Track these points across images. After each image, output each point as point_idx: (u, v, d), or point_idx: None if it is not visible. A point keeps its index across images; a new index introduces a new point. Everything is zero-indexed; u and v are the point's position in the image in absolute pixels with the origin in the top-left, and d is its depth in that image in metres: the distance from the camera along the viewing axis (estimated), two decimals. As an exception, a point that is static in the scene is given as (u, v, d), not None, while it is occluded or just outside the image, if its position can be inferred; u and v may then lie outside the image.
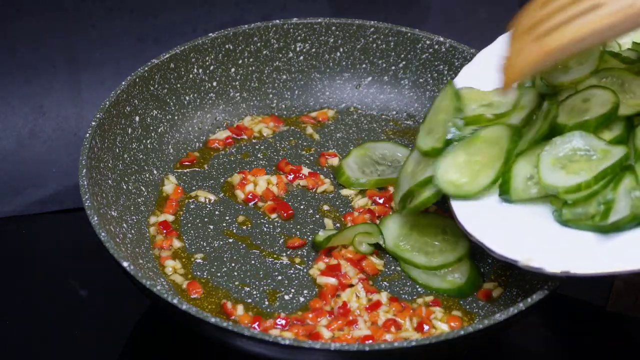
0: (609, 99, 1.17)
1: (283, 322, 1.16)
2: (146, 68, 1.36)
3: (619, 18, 1.00)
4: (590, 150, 1.14)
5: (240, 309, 1.18)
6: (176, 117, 1.43)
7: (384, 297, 1.20)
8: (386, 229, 1.27)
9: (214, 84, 1.46)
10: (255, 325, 1.16)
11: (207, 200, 1.34)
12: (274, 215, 1.33)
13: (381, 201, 1.34)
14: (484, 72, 1.32)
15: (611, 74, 1.21)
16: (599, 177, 1.11)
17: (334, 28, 1.50)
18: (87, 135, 1.24)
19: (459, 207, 1.19)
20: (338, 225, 1.31)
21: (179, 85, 1.42)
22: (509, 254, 1.09)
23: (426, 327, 1.17)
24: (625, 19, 1.00)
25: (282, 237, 1.30)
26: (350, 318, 1.17)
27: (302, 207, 1.34)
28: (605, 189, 1.11)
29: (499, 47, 1.35)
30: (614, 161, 1.11)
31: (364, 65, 1.53)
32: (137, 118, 1.36)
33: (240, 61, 1.48)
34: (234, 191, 1.36)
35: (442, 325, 1.18)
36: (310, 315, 1.17)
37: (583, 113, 1.18)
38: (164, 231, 1.29)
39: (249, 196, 1.34)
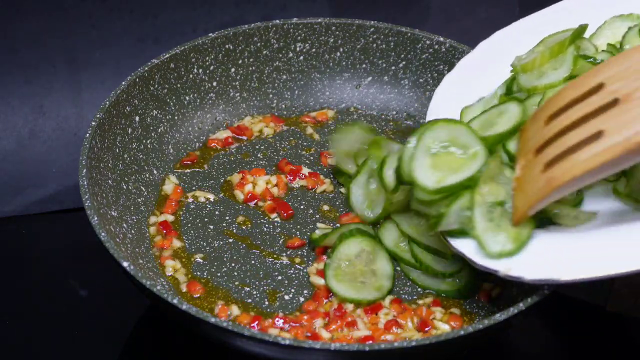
0: (515, 114, 1.17)
1: (282, 322, 1.17)
2: (146, 68, 1.36)
3: (623, 151, 0.96)
4: (462, 149, 1.15)
5: (235, 309, 1.18)
6: (176, 117, 1.43)
7: (386, 299, 1.20)
8: (387, 230, 1.27)
9: (214, 84, 1.46)
10: (255, 324, 1.16)
11: (207, 200, 1.34)
12: (273, 215, 1.33)
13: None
14: (465, 81, 1.34)
15: None
16: (442, 190, 1.13)
17: (334, 28, 1.50)
18: (87, 135, 1.24)
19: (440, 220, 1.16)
20: (338, 225, 1.31)
21: (179, 85, 1.42)
22: (490, 264, 1.09)
23: (427, 328, 1.17)
24: (630, 152, 0.96)
25: (282, 237, 1.30)
26: (349, 319, 1.17)
27: (302, 207, 1.34)
28: (441, 202, 1.13)
29: (478, 54, 1.37)
30: (462, 178, 1.12)
31: (364, 65, 1.53)
32: (137, 118, 1.36)
33: (240, 61, 1.48)
34: (233, 191, 1.36)
35: (443, 325, 1.18)
36: (305, 317, 1.17)
37: (491, 127, 1.19)
38: (164, 231, 1.29)
39: (249, 196, 1.34)
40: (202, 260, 1.26)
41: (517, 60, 1.26)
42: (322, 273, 1.22)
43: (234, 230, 1.30)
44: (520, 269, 1.07)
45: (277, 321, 1.17)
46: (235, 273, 1.24)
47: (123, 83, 1.33)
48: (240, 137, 1.46)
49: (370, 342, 1.13)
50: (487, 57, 1.35)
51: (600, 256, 1.05)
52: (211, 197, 1.35)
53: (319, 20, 1.49)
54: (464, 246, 1.12)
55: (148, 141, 1.37)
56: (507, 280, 1.22)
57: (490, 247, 1.09)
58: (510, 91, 1.27)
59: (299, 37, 1.50)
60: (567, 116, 1.03)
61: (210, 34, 1.44)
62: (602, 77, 1.01)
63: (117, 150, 1.31)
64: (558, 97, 1.06)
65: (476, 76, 1.34)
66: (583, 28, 1.23)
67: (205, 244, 1.28)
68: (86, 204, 1.15)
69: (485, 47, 1.37)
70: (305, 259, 1.26)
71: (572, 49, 1.22)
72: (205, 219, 1.32)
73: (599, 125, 0.98)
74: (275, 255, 1.27)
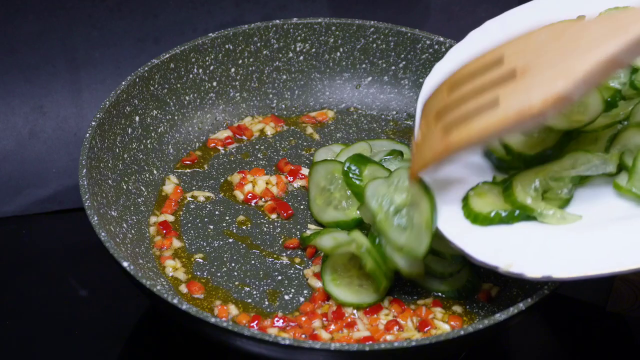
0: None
1: (281, 322, 1.17)
2: (146, 68, 1.36)
3: (516, 118, 1.02)
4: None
5: (235, 309, 1.18)
6: (176, 117, 1.43)
7: (385, 300, 1.20)
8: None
9: (214, 84, 1.46)
10: (254, 324, 1.16)
11: (206, 200, 1.34)
12: (273, 215, 1.33)
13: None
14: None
15: None
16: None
17: (334, 28, 1.50)
18: (87, 135, 1.24)
19: (438, 213, 1.16)
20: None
21: (179, 85, 1.42)
22: (490, 261, 1.09)
23: (427, 328, 1.17)
24: (522, 120, 1.01)
25: (282, 237, 1.30)
26: (349, 320, 1.17)
27: (302, 207, 1.34)
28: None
29: (469, 43, 1.36)
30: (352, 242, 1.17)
31: (364, 65, 1.53)
32: (137, 118, 1.36)
33: (240, 61, 1.48)
34: (233, 191, 1.36)
35: (443, 325, 1.18)
36: (303, 319, 1.17)
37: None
38: (164, 231, 1.29)
39: (248, 196, 1.34)
40: (202, 260, 1.26)
41: None
42: (319, 275, 1.22)
43: (234, 230, 1.30)
44: (522, 266, 1.06)
45: (277, 321, 1.17)
46: (235, 273, 1.24)
47: (123, 83, 1.33)
48: (240, 137, 1.46)
49: (370, 342, 1.13)
50: (477, 45, 1.34)
51: (604, 254, 1.04)
52: (211, 197, 1.35)
53: (319, 20, 1.49)
54: (463, 243, 1.12)
55: (148, 141, 1.38)
56: (507, 280, 1.23)
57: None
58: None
59: (299, 37, 1.50)
60: (468, 86, 1.08)
61: (210, 34, 1.44)
62: (502, 52, 1.07)
63: (117, 150, 1.31)
64: (461, 69, 1.12)
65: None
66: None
67: (205, 244, 1.28)
68: (86, 204, 1.15)
69: (476, 36, 1.36)
70: (305, 259, 1.26)
71: None
72: (205, 219, 1.32)
73: (496, 94, 1.04)
74: (275, 255, 1.27)
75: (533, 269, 1.06)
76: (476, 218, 1.13)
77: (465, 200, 1.15)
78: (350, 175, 1.26)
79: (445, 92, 1.12)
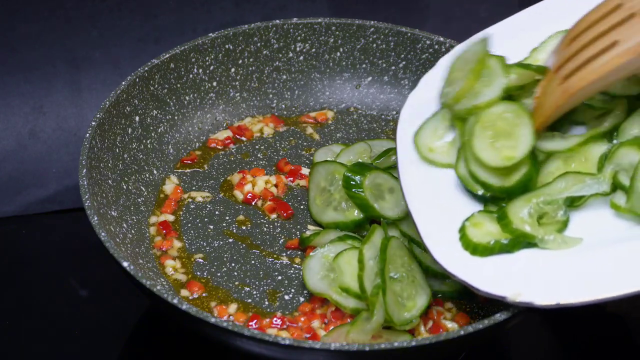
0: None
1: (280, 322, 1.17)
2: (146, 68, 1.36)
3: (635, 53, 1.03)
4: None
5: (235, 309, 1.18)
6: (176, 117, 1.43)
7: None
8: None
9: (214, 84, 1.46)
10: (253, 323, 1.16)
11: (206, 200, 1.34)
12: (273, 215, 1.33)
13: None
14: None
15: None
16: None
17: (334, 28, 1.50)
18: (87, 135, 1.24)
19: (435, 247, 1.12)
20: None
21: (179, 85, 1.42)
22: (496, 291, 1.06)
23: (427, 327, 1.17)
24: None
25: (282, 237, 1.30)
26: (349, 321, 1.17)
27: (302, 207, 1.34)
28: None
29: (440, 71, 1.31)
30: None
31: (364, 65, 1.53)
32: (137, 118, 1.36)
33: (240, 61, 1.48)
34: (233, 191, 1.36)
35: (444, 325, 1.17)
36: (302, 319, 1.17)
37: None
38: (164, 231, 1.29)
39: (248, 196, 1.34)
40: (202, 260, 1.26)
41: (444, 98, 1.22)
42: None
43: (234, 230, 1.30)
44: (530, 294, 1.04)
45: (276, 321, 1.17)
46: (235, 273, 1.24)
47: (123, 83, 1.33)
48: (240, 137, 1.46)
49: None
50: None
51: (612, 276, 1.03)
52: (211, 197, 1.35)
53: (319, 20, 1.49)
54: (465, 275, 1.09)
55: (148, 141, 1.38)
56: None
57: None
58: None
59: (299, 37, 1.50)
60: (586, 35, 1.09)
61: (210, 34, 1.44)
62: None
63: (117, 150, 1.31)
64: (580, 22, 1.12)
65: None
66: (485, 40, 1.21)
67: (205, 244, 1.28)
68: (86, 204, 1.15)
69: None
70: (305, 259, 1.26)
71: (496, 61, 1.19)
72: (205, 219, 1.32)
73: (614, 37, 1.06)
74: (275, 255, 1.27)
75: (541, 296, 1.04)
76: (475, 249, 1.10)
77: (462, 231, 1.13)
78: (352, 187, 1.25)
79: (564, 47, 1.12)
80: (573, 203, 1.12)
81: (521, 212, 1.11)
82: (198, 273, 1.24)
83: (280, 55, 1.50)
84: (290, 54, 1.51)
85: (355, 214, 1.26)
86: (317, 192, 1.31)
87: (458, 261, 1.10)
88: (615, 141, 1.15)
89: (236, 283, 1.23)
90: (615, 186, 1.11)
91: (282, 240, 1.29)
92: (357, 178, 1.25)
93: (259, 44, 1.48)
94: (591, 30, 1.09)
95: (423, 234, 1.13)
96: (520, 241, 1.10)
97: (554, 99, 1.11)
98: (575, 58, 1.09)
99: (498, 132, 1.15)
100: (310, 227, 1.31)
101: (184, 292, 1.21)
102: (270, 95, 1.51)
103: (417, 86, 1.30)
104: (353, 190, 1.25)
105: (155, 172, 1.37)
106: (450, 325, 1.18)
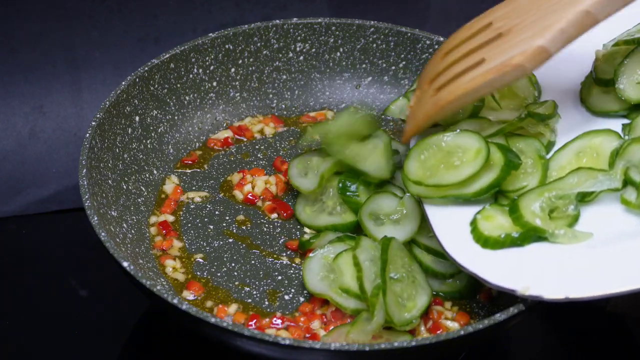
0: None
1: (280, 322, 1.17)
2: (146, 68, 1.36)
3: (498, 73, 1.10)
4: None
5: (235, 309, 1.18)
6: (176, 117, 1.43)
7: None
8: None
9: (214, 84, 1.46)
10: (253, 323, 1.16)
11: (206, 200, 1.34)
12: (273, 215, 1.33)
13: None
14: None
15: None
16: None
17: (334, 28, 1.50)
18: (87, 135, 1.24)
19: (446, 239, 1.14)
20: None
21: (179, 85, 1.42)
22: (506, 284, 1.06)
23: (428, 327, 1.17)
24: (504, 73, 1.10)
25: (282, 237, 1.30)
26: (348, 321, 1.17)
27: (302, 207, 1.34)
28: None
29: None
30: None
31: (364, 65, 1.53)
32: (137, 118, 1.36)
33: (240, 61, 1.48)
34: (233, 191, 1.36)
35: (444, 324, 1.18)
36: (302, 319, 1.17)
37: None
38: (164, 231, 1.29)
39: (248, 196, 1.34)
40: (202, 260, 1.26)
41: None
42: None
43: (234, 230, 1.30)
44: (539, 288, 1.04)
45: (275, 321, 1.17)
46: (235, 273, 1.24)
47: (123, 83, 1.33)
48: (240, 137, 1.46)
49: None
50: None
51: (621, 271, 1.03)
52: (210, 197, 1.35)
53: (319, 20, 1.49)
54: (476, 268, 1.09)
55: (148, 141, 1.38)
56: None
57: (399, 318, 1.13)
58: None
59: (299, 37, 1.50)
60: (458, 51, 1.18)
61: (210, 34, 1.44)
62: (490, 18, 1.17)
63: (117, 150, 1.31)
64: (453, 37, 1.21)
65: None
66: None
67: (205, 244, 1.28)
68: (86, 204, 1.15)
69: None
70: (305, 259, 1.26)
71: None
72: (205, 219, 1.32)
73: (482, 55, 1.13)
74: (275, 255, 1.27)
75: (551, 290, 1.04)
76: (486, 242, 1.11)
77: (473, 224, 1.13)
78: (348, 193, 1.27)
79: (438, 60, 1.19)
80: (584, 198, 1.13)
81: (532, 206, 1.12)
82: (198, 273, 1.24)
83: (280, 55, 1.50)
84: (290, 54, 1.51)
85: (352, 217, 1.27)
86: (306, 204, 1.32)
87: (468, 254, 1.11)
88: (626, 137, 1.16)
89: (236, 283, 1.23)
90: (626, 182, 1.12)
91: (282, 240, 1.29)
92: (351, 185, 1.28)
93: (259, 44, 1.48)
94: (463, 46, 1.17)
95: (434, 225, 1.15)
96: (531, 235, 1.11)
97: (426, 109, 1.18)
98: (446, 72, 1.17)
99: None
100: (307, 230, 1.31)
101: (184, 292, 1.21)
102: (270, 95, 1.51)
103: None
104: (349, 195, 1.27)
105: (155, 172, 1.37)
106: (451, 325, 1.18)
